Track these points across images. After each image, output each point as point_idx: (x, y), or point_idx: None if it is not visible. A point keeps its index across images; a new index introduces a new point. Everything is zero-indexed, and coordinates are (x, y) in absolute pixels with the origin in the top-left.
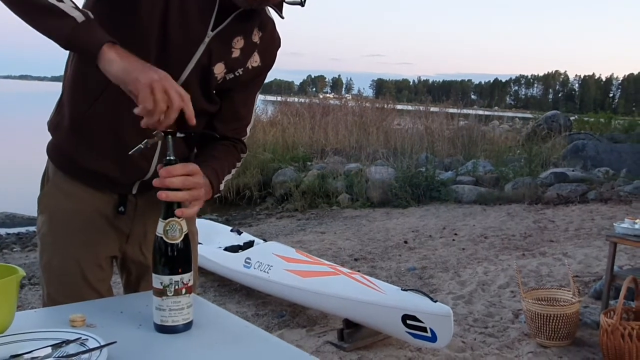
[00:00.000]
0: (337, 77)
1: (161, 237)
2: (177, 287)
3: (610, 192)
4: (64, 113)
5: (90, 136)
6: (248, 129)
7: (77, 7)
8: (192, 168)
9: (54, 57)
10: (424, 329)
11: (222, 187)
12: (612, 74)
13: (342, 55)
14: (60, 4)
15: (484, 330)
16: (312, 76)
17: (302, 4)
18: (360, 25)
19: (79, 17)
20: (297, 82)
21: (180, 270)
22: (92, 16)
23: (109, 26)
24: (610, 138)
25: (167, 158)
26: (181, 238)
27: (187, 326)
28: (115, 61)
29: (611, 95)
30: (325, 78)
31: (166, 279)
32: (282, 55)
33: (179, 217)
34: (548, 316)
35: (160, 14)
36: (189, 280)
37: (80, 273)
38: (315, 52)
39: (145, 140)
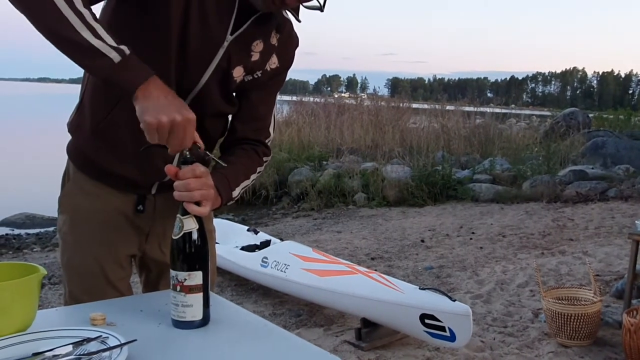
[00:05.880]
0: (351, 76)
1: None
2: (173, 282)
3: (630, 190)
4: (84, 116)
5: (111, 139)
6: (271, 130)
7: (114, 45)
8: (200, 170)
9: None
10: (443, 328)
11: (236, 193)
12: (632, 70)
13: (355, 55)
14: (97, 42)
15: (504, 330)
16: (327, 76)
17: (321, 9)
18: (372, 24)
19: (116, 58)
20: (312, 82)
21: (176, 267)
22: (127, 52)
23: (129, 32)
24: (630, 135)
25: (184, 157)
26: (179, 235)
27: (190, 324)
28: (140, 103)
29: (630, 91)
30: (340, 77)
31: (172, 272)
32: (296, 55)
33: (187, 214)
34: (569, 315)
35: (179, 19)
36: (184, 279)
37: (100, 271)
38: (328, 51)
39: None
